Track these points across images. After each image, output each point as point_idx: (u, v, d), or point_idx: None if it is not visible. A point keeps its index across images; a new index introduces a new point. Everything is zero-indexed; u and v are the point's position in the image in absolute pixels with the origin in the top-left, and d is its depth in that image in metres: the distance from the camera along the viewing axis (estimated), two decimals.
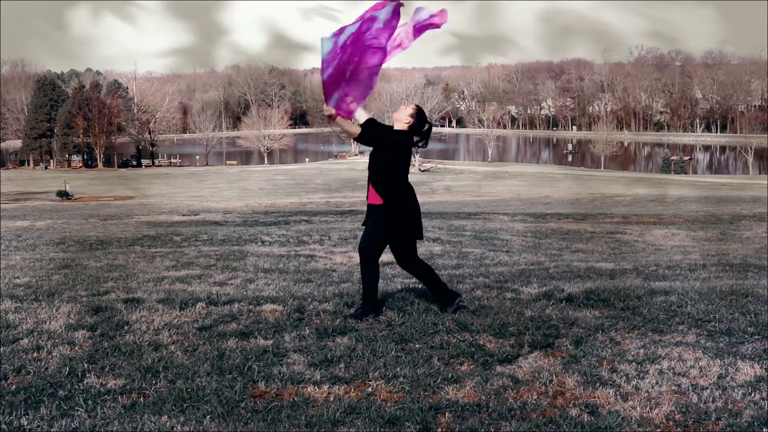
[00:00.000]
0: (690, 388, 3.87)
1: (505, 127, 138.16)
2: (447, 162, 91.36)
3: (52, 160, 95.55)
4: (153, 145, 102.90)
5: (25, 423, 3.45)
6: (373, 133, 5.35)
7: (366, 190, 5.51)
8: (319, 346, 4.64)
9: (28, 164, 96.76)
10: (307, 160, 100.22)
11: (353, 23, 5.23)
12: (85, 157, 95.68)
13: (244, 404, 3.69)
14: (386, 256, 8.73)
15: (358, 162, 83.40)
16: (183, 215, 22.32)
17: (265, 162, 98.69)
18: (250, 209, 28.34)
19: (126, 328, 5.12)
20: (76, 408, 3.63)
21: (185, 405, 3.67)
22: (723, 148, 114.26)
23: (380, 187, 5.33)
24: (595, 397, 3.77)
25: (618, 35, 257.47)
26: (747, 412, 3.55)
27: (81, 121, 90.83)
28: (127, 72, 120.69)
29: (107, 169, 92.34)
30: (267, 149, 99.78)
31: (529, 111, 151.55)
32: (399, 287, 6.90)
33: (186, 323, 5.24)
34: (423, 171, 78.39)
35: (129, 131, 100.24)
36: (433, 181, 63.99)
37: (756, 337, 4.77)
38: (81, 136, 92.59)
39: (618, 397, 3.77)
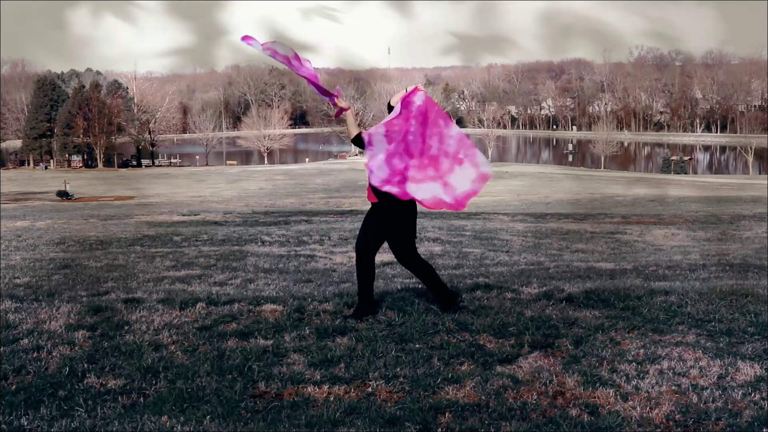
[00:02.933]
0: (690, 388, 3.87)
1: (505, 127, 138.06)
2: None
3: (52, 160, 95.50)
4: (153, 145, 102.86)
5: (25, 423, 3.45)
6: None
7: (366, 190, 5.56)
8: (319, 346, 4.64)
9: (28, 164, 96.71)
10: (307, 160, 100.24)
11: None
12: (85, 157, 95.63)
13: (244, 404, 3.69)
14: (387, 256, 8.74)
15: (358, 162, 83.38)
16: (183, 215, 22.31)
17: (265, 162, 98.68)
18: (250, 209, 28.34)
19: (126, 328, 5.12)
20: (76, 408, 3.63)
21: (185, 405, 3.67)
22: (723, 148, 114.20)
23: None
24: (595, 397, 3.77)
25: (618, 35, 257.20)
26: (747, 412, 3.55)
27: (81, 121, 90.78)
28: (127, 72, 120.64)
29: (107, 169, 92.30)
30: (267, 149, 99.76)
31: (529, 111, 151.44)
32: (399, 287, 6.90)
33: (186, 323, 5.24)
34: None
35: (129, 131, 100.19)
36: None
37: (756, 337, 4.77)
38: (81, 136, 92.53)
39: (618, 397, 3.76)
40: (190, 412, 3.58)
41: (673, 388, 3.90)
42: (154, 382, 4.00)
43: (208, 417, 3.51)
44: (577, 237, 15.20)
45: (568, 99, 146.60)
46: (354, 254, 5.68)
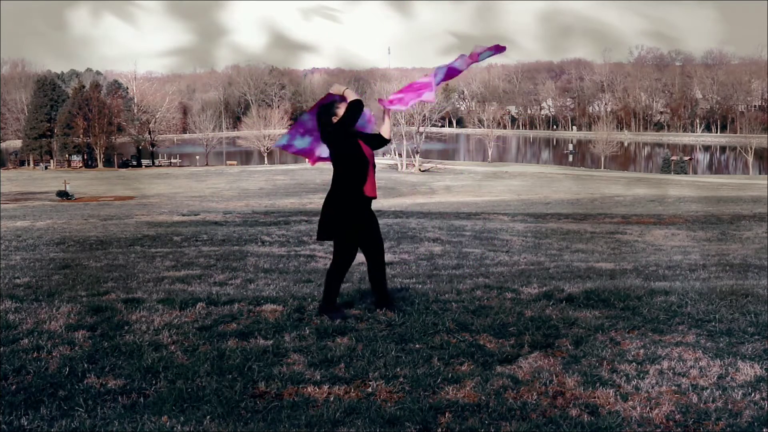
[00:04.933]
0: (690, 388, 3.87)
1: (505, 127, 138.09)
2: (447, 162, 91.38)
3: (52, 160, 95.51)
4: (153, 145, 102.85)
5: (25, 423, 3.45)
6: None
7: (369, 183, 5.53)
8: (319, 346, 4.64)
9: (28, 164, 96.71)
10: (307, 160, 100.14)
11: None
12: (85, 157, 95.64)
13: (244, 404, 3.69)
14: (387, 256, 8.72)
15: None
16: (183, 215, 22.32)
17: (265, 162, 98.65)
18: (250, 209, 28.34)
19: (126, 328, 5.11)
20: (76, 408, 3.62)
21: (185, 405, 3.67)
22: (723, 148, 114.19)
23: None
24: (595, 397, 3.77)
25: (618, 35, 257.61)
26: (747, 412, 3.55)
27: (81, 121, 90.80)
28: (127, 72, 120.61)
29: (107, 169, 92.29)
30: (267, 149, 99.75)
31: (529, 111, 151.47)
32: (399, 287, 6.90)
33: (186, 323, 5.24)
34: (423, 171, 78.38)
35: (129, 131, 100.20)
36: (433, 181, 64.02)
37: (756, 337, 4.77)
38: (81, 136, 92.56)
39: (618, 397, 3.76)
40: (190, 412, 3.58)
41: (673, 388, 3.90)
42: (154, 382, 4.00)
43: (208, 417, 3.51)
44: (577, 237, 15.21)
45: (568, 99, 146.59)
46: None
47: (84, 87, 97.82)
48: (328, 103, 5.54)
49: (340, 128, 5.41)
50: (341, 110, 5.45)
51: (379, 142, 5.65)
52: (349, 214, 5.40)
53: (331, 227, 5.45)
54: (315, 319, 5.34)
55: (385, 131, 5.68)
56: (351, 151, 5.43)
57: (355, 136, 5.46)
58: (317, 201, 39.96)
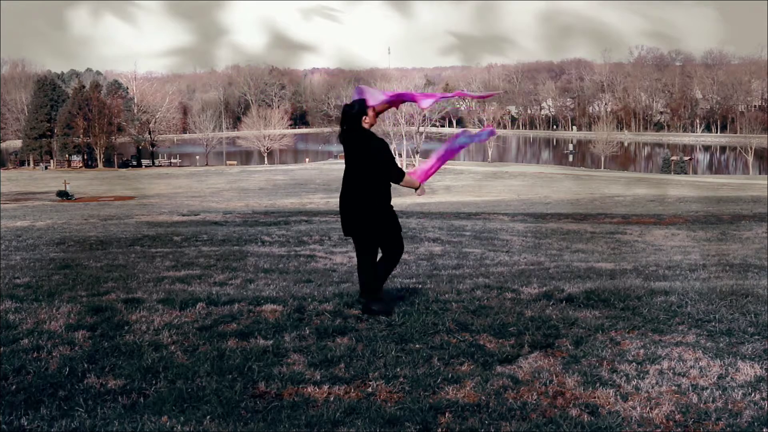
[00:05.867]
0: (690, 388, 3.87)
1: (505, 127, 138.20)
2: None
3: (52, 160, 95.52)
4: (153, 145, 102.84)
5: (25, 423, 3.45)
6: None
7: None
8: (319, 346, 4.64)
9: (28, 164, 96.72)
10: (307, 160, 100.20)
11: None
12: (85, 157, 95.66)
13: (244, 404, 3.69)
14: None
15: None
16: (183, 215, 22.32)
17: (265, 162, 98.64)
18: (250, 209, 28.34)
19: (126, 328, 5.11)
20: (76, 408, 3.62)
21: (185, 405, 3.67)
22: (723, 148, 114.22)
23: None
24: (595, 397, 3.77)
25: (618, 35, 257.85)
26: (747, 412, 3.55)
27: (81, 121, 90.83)
28: (127, 72, 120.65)
29: (107, 169, 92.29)
30: (267, 149, 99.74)
31: (529, 111, 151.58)
32: (399, 287, 6.90)
33: (186, 323, 5.24)
34: None
35: (129, 131, 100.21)
36: (433, 181, 64.01)
37: (756, 337, 4.77)
38: (81, 136, 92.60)
39: (618, 397, 3.76)
40: (190, 412, 3.58)
41: (673, 388, 3.90)
42: (154, 382, 4.00)
43: (208, 417, 3.51)
44: (577, 237, 15.21)
45: (568, 99, 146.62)
46: (354, 254, 5.66)
47: (84, 87, 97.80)
48: (360, 101, 5.44)
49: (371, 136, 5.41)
50: (371, 112, 5.41)
51: (394, 174, 5.48)
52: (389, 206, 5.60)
53: (381, 223, 5.60)
54: (315, 319, 5.34)
55: (407, 181, 5.64)
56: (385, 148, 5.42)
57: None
58: (317, 201, 39.95)
